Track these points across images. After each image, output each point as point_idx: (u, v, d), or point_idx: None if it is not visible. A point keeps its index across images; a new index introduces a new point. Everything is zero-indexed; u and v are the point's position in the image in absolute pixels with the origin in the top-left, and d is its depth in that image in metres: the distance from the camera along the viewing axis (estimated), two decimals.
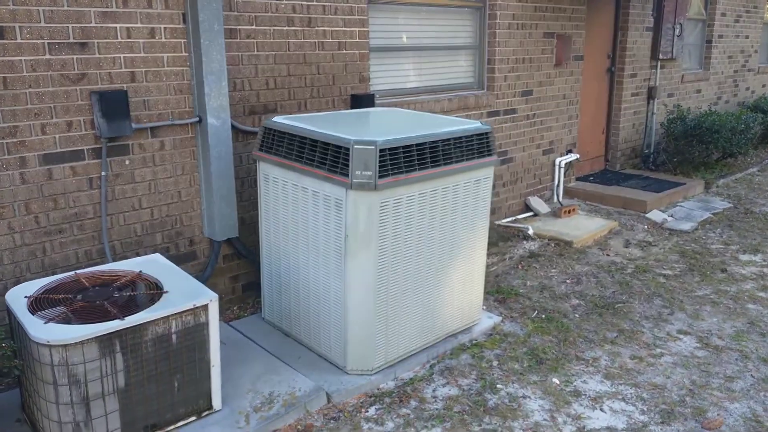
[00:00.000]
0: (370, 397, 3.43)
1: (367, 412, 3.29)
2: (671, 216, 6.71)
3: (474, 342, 4.02)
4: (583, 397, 3.47)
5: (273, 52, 4.29)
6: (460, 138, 3.64)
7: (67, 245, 3.60)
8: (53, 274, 3.55)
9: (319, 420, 3.20)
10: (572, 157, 7.18)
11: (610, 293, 4.83)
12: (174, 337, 2.90)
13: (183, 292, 3.00)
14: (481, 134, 3.76)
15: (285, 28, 4.32)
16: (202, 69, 3.84)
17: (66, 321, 2.72)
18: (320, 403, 3.31)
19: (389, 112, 4.29)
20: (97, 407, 2.73)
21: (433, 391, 3.49)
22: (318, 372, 3.55)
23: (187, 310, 2.91)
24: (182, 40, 3.85)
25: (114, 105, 3.56)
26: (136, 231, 3.87)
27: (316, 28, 4.50)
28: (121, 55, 3.61)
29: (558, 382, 3.60)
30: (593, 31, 7.43)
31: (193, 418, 3.07)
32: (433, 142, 3.48)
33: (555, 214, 6.66)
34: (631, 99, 8.11)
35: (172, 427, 3.00)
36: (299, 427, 3.15)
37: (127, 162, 3.76)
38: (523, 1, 6.13)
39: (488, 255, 5.52)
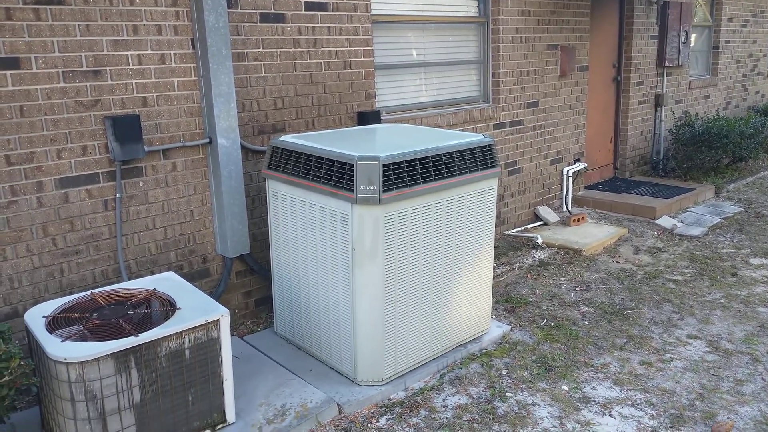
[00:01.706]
0: (381, 407, 3.48)
1: (378, 422, 3.35)
2: (681, 222, 6.71)
3: (483, 351, 4.06)
4: (593, 403, 3.50)
5: (280, 74, 4.41)
6: (463, 151, 3.71)
7: (84, 266, 3.72)
8: (71, 293, 3.66)
9: (330, 430, 3.27)
10: (580, 166, 7.22)
11: (619, 300, 4.85)
12: (187, 352, 2.99)
13: (195, 308, 3.10)
14: (484, 147, 3.84)
15: (291, 50, 4.45)
16: (211, 92, 3.97)
17: (82, 339, 2.82)
18: (331, 414, 3.37)
19: (394, 127, 4.38)
20: (113, 422, 2.82)
21: (443, 400, 3.54)
22: (329, 384, 3.62)
23: (200, 326, 3.00)
24: (192, 65, 3.98)
25: (127, 129, 3.68)
26: (151, 250, 3.98)
27: (322, 48, 4.62)
28: (133, 81, 3.75)
29: (567, 389, 3.64)
30: (598, 41, 7.49)
31: None
32: (436, 155, 3.56)
33: (564, 222, 6.70)
34: (638, 107, 8.15)
35: None
36: None
37: (140, 184, 3.88)
38: (525, 15, 6.22)
39: (498, 264, 5.57)
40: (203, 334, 3.02)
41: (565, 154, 7.14)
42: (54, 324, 2.96)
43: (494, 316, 4.55)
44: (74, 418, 2.76)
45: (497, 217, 6.40)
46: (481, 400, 3.53)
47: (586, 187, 7.70)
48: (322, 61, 4.64)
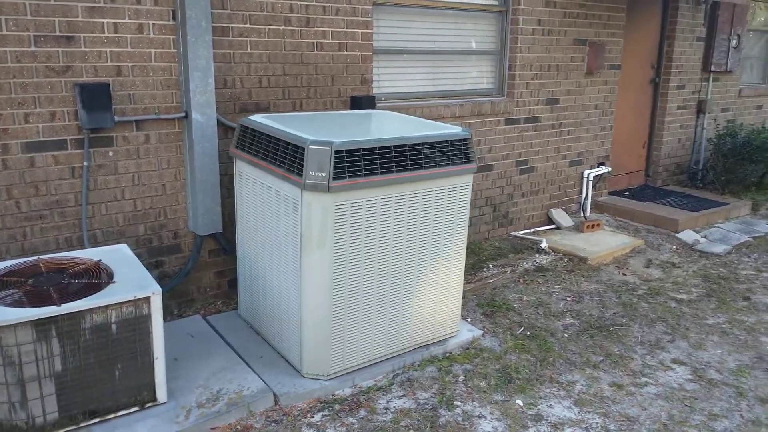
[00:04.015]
0: (321, 402, 3.36)
1: (312, 417, 3.23)
2: (705, 237, 6.26)
3: (446, 355, 3.87)
4: (544, 422, 3.27)
5: (267, 51, 4.31)
6: (433, 143, 3.52)
7: (47, 231, 3.73)
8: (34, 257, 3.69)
9: (260, 422, 3.17)
10: (603, 170, 6.85)
11: (610, 314, 4.55)
12: (114, 326, 2.94)
13: (130, 283, 3.04)
14: (459, 140, 3.63)
15: (281, 28, 4.33)
16: (188, 65, 3.90)
17: (11, 304, 2.81)
18: (265, 405, 3.27)
19: (378, 114, 4.22)
20: (32, 389, 2.80)
21: (387, 402, 3.39)
22: (274, 373, 3.52)
23: (128, 301, 2.94)
24: (171, 37, 3.92)
25: (95, 97, 3.66)
26: (118, 221, 3.97)
27: (315, 28, 4.49)
28: (107, 49, 3.72)
29: (522, 404, 3.41)
30: (634, 39, 7.06)
31: (135, 409, 3.10)
32: (399, 145, 3.38)
33: (578, 228, 6.37)
34: (677, 112, 7.65)
35: (112, 415, 3.04)
36: (238, 427, 3.12)
37: (110, 153, 3.86)
38: (550, 7, 5.90)
39: (493, 266, 5.34)
40: (132, 310, 2.97)
41: (588, 156, 6.77)
42: None
43: (469, 320, 4.34)
44: None
45: (504, 217, 6.14)
46: (426, 406, 3.35)
47: (610, 193, 7.30)
48: (314, 41, 4.51)
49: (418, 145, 3.45)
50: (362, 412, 3.29)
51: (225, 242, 4.34)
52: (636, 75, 7.24)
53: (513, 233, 6.21)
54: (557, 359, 3.89)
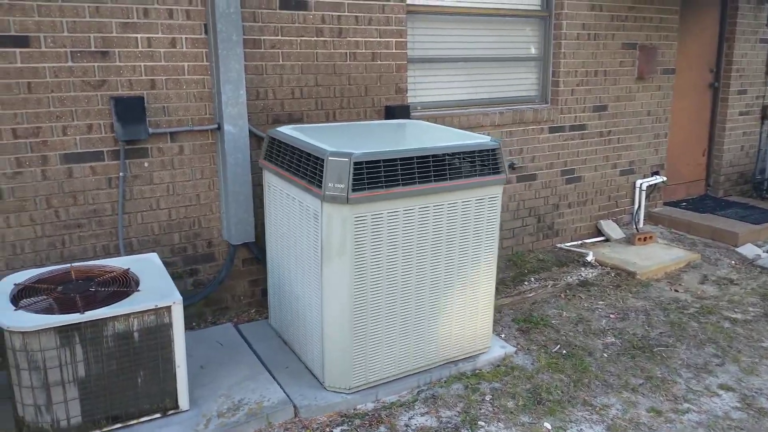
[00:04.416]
0: (342, 416, 3.31)
1: None
2: (767, 252, 5.86)
3: (475, 372, 3.75)
4: None
5: (299, 62, 4.33)
6: (458, 154, 3.43)
7: (85, 239, 3.86)
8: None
9: None
10: (657, 179, 6.54)
11: (655, 334, 4.31)
12: (136, 334, 2.99)
13: (153, 292, 3.09)
14: (486, 150, 3.52)
15: (313, 39, 4.34)
16: (219, 78, 3.96)
17: (39, 310, 2.90)
18: (285, 417, 3.25)
19: (410, 124, 4.16)
20: (57, 393, 2.88)
21: (409, 419, 3.30)
22: (297, 385, 3.50)
23: (149, 310, 2.99)
24: (203, 50, 3.99)
25: (130, 110, 3.76)
26: (154, 230, 4.06)
27: (348, 38, 4.48)
28: (141, 64, 3.82)
29: (550, 427, 3.26)
30: (690, 42, 6.72)
31: (157, 416, 3.14)
32: (423, 156, 3.31)
33: (629, 240, 6.09)
34: (738, 118, 7.23)
35: (134, 421, 3.09)
36: None
37: (146, 164, 3.96)
38: (596, 10, 5.69)
39: (535, 280, 5.17)
40: (153, 318, 3.01)
41: (640, 165, 6.48)
42: (22, 292, 3.08)
43: (503, 336, 4.20)
44: (19, 384, 2.85)
45: (549, 228, 5.94)
46: (449, 426, 3.25)
47: (666, 204, 6.96)
48: (347, 51, 4.50)
49: (442, 155, 3.37)
50: (382, 429, 3.22)
51: (258, 251, 4.37)
52: (693, 79, 6.89)
53: (558, 245, 6.00)
54: (593, 380, 3.71)
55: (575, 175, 6.00)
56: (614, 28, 5.86)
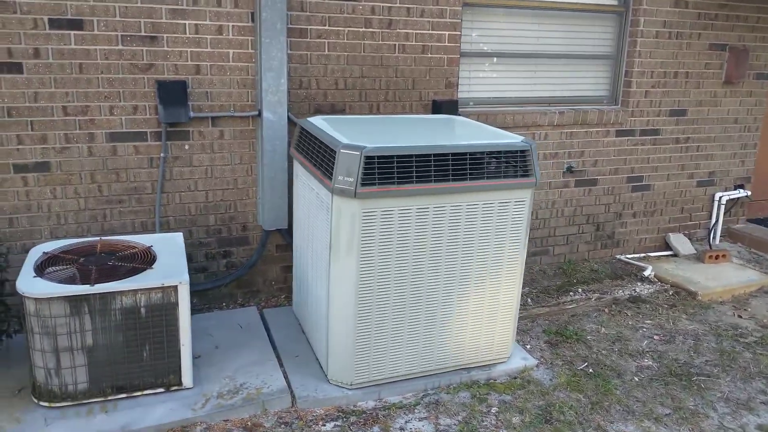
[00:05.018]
0: (339, 411, 3.30)
1: (324, 426, 3.17)
2: None
3: (488, 381, 3.61)
4: None
5: (345, 53, 4.30)
6: (482, 153, 3.28)
7: (125, 214, 4.06)
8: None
9: (270, 421, 3.18)
10: (740, 193, 5.98)
11: (699, 361, 3.95)
12: (143, 310, 3.12)
13: (164, 271, 3.21)
14: (515, 152, 3.35)
15: (361, 30, 4.30)
16: (261, 65, 4.02)
17: (58, 279, 3.09)
18: (281, 406, 3.28)
19: (449, 120, 4.03)
20: (65, 358, 3.06)
21: (405, 422, 3.23)
22: (302, 375, 3.52)
23: (156, 288, 3.10)
24: (249, 38, 4.06)
25: (172, 93, 3.90)
26: (190, 210, 4.21)
27: (398, 30, 4.40)
28: (188, 49, 3.94)
29: None
30: None
31: (161, 390, 3.27)
32: (441, 154, 3.19)
33: (698, 257, 5.62)
34: None
35: (138, 393, 3.23)
36: (249, 423, 3.16)
37: (186, 147, 4.10)
38: (681, 7, 5.25)
39: (582, 291, 4.89)
40: (160, 296, 3.12)
41: (722, 176, 5.95)
42: (49, 261, 3.29)
43: (528, 347, 4.00)
44: (32, 347, 3.05)
45: (609, 237, 5.60)
46: None
47: (750, 221, 6.35)
48: (396, 43, 4.42)
49: (463, 154, 3.24)
50: (375, 429, 3.17)
51: (289, 238, 4.43)
52: None
53: (618, 256, 5.64)
54: (614, 405, 3.46)
55: (643, 183, 5.60)
56: (701, 27, 5.38)
